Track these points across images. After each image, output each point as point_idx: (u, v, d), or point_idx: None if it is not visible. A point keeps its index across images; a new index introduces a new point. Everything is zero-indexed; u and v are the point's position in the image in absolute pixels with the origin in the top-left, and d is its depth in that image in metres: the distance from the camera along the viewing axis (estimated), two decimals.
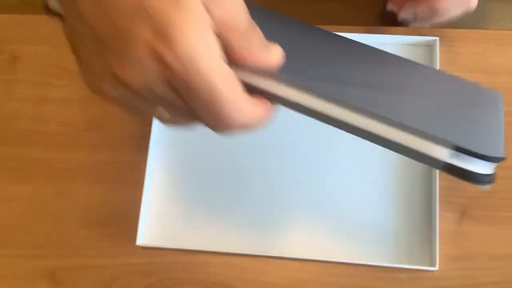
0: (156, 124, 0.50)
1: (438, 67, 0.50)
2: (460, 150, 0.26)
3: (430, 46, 0.52)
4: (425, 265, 0.46)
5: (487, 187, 0.28)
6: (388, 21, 0.55)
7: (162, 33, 0.23)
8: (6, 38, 0.55)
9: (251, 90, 0.27)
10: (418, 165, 0.48)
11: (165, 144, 0.50)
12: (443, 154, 0.27)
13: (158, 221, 0.48)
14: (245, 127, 0.27)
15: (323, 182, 0.48)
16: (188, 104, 0.26)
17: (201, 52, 0.24)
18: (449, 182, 0.47)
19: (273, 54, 0.27)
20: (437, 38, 0.51)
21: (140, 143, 0.50)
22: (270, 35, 0.27)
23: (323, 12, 1.12)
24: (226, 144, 0.50)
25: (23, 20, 0.55)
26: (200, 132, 0.50)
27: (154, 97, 0.26)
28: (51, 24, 0.54)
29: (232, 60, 0.26)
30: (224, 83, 0.25)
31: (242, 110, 0.26)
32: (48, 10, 0.51)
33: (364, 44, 0.39)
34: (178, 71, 0.24)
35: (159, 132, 0.51)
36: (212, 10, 0.24)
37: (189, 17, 0.23)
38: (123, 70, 0.25)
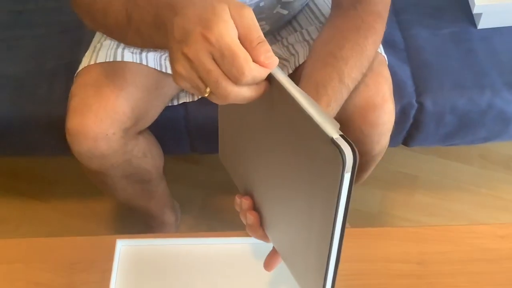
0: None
1: None
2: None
3: None
4: None
5: None
6: None
7: (208, 27, 0.44)
8: None
9: None
10: None
11: None
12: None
13: None
14: (252, 78, 0.44)
15: None
16: (220, 67, 0.44)
17: (228, 35, 0.43)
18: None
19: (271, 64, 0.44)
20: None
21: None
22: None
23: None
24: None
25: None
26: None
27: (203, 68, 0.44)
28: (22, 245, 0.63)
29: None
30: (240, 50, 0.43)
31: (251, 64, 0.43)
32: None
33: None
34: (215, 45, 0.43)
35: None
36: (237, 21, 0.44)
37: (222, 20, 0.44)
38: (188, 48, 0.44)
